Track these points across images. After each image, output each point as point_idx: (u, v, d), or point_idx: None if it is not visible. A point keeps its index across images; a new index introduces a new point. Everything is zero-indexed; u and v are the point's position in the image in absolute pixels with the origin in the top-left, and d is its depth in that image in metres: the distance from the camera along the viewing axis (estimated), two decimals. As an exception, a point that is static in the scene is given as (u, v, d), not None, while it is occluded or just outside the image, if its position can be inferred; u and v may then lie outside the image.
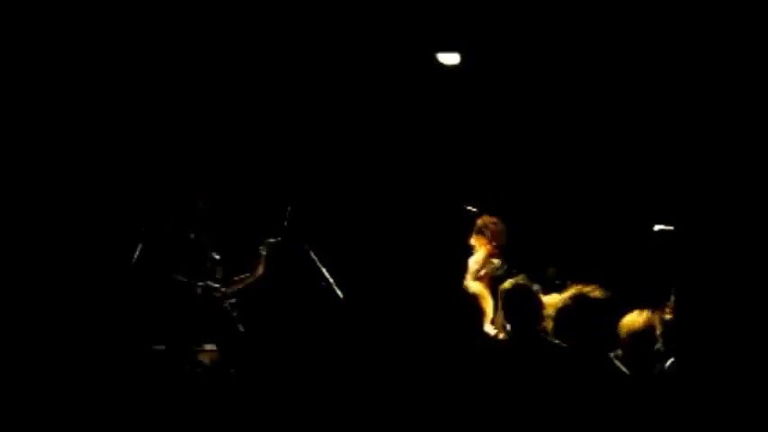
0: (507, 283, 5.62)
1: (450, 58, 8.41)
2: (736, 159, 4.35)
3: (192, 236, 7.14)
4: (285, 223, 7.26)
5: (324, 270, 7.12)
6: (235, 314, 7.18)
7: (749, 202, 4.32)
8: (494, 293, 6.10)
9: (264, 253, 7.13)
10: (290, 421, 5.98)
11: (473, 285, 5.98)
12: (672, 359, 5.31)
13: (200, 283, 6.91)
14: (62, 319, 6.82)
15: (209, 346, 7.54)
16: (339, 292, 7.06)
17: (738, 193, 4.34)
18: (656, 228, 7.18)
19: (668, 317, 5.84)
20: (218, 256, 7.19)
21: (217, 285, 7.00)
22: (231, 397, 6.46)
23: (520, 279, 5.66)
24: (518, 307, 5.48)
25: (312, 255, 7.16)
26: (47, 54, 7.68)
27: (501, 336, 5.89)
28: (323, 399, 5.98)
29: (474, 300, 5.54)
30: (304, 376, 6.32)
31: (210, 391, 6.58)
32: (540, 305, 5.50)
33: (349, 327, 6.81)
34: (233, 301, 7.02)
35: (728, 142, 4.36)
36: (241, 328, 7.01)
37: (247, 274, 7.18)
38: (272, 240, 7.20)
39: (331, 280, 7.09)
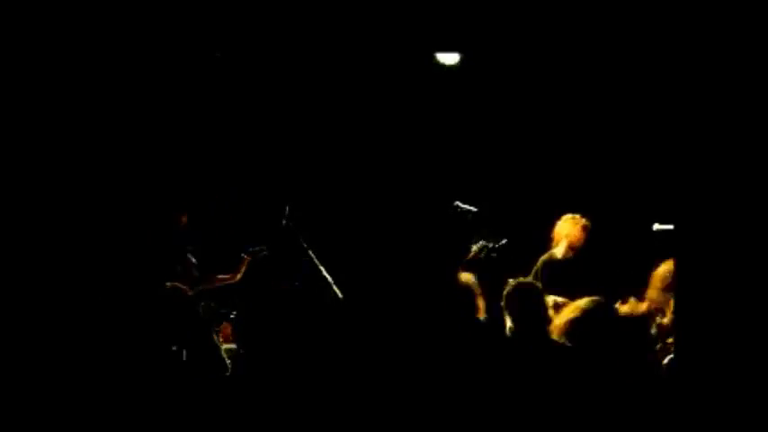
0: (510, 283, 5.58)
1: (450, 58, 8.41)
2: (735, 159, 4.34)
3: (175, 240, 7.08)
4: (284, 223, 7.26)
5: (323, 270, 7.12)
6: (204, 316, 7.13)
7: (749, 202, 4.31)
8: (482, 278, 6.14)
9: (246, 257, 7.11)
10: (290, 421, 5.97)
11: (463, 276, 5.92)
12: (670, 358, 5.31)
13: (168, 284, 6.84)
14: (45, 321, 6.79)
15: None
16: (338, 292, 7.06)
17: (738, 193, 4.33)
18: (656, 227, 7.18)
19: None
20: (193, 259, 7.15)
21: (184, 287, 6.92)
22: (230, 397, 6.45)
23: (523, 278, 5.63)
24: (521, 307, 5.43)
25: (311, 254, 7.16)
26: (47, 54, 7.68)
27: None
28: (323, 399, 5.97)
29: (466, 293, 5.52)
30: (303, 376, 6.31)
31: (209, 392, 6.57)
32: (545, 305, 5.46)
33: (348, 326, 6.80)
34: (203, 303, 6.95)
35: (728, 142, 4.36)
36: (221, 345, 6.97)
37: (227, 276, 7.15)
38: (257, 249, 7.18)
39: (330, 279, 7.09)
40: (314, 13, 7.79)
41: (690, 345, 4.44)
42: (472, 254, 7.46)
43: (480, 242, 7.48)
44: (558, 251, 7.20)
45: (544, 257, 7.22)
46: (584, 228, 7.16)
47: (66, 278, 7.06)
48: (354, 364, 6.12)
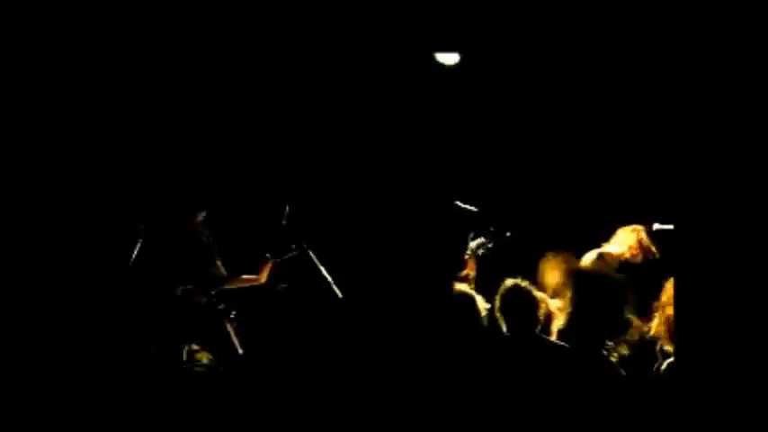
0: (506, 284, 5.64)
1: (449, 58, 8.40)
2: (735, 159, 4.34)
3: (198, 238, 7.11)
4: (284, 222, 7.25)
5: (323, 269, 7.12)
6: (226, 317, 7.17)
7: (749, 201, 4.31)
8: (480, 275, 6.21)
9: (270, 259, 7.10)
10: (289, 421, 5.98)
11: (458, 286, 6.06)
12: (670, 359, 5.31)
13: (182, 287, 6.88)
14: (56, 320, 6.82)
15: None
16: (338, 292, 7.06)
17: (738, 193, 4.33)
18: (656, 227, 7.20)
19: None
20: (218, 261, 7.15)
21: (196, 288, 6.93)
22: (230, 397, 6.46)
23: (519, 280, 5.68)
24: (516, 308, 5.51)
25: (311, 254, 7.15)
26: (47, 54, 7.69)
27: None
28: (323, 399, 5.98)
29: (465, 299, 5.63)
30: (303, 376, 6.32)
31: (209, 392, 6.58)
32: (537, 306, 5.55)
33: (348, 326, 6.81)
34: (222, 305, 6.98)
35: (727, 142, 4.36)
36: (232, 333, 6.98)
37: (252, 277, 7.15)
38: (290, 251, 7.18)
39: (330, 279, 7.08)
40: (314, 13, 7.80)
41: (689, 345, 4.44)
42: (470, 251, 7.50)
43: (478, 239, 7.52)
44: (614, 253, 7.34)
45: (597, 253, 7.33)
46: (647, 246, 7.33)
47: (72, 278, 7.10)
48: (354, 363, 6.13)
